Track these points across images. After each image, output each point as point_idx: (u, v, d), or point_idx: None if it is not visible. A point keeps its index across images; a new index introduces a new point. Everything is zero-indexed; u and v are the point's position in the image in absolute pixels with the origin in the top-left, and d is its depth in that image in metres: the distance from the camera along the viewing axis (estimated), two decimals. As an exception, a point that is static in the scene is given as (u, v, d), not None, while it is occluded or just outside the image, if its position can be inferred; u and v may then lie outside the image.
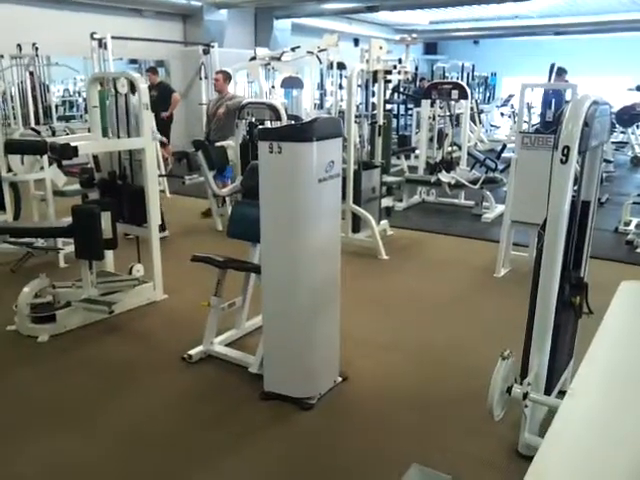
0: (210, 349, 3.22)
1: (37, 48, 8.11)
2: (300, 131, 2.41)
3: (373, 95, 5.43)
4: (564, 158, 2.03)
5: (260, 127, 2.50)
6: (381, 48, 4.87)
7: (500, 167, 7.37)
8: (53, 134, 5.71)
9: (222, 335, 3.37)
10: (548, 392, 2.34)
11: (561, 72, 7.59)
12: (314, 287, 2.65)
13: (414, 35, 15.77)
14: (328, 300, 2.78)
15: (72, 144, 3.18)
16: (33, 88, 8.68)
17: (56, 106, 9.87)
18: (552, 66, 7.21)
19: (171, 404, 2.84)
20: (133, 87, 3.85)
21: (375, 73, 4.99)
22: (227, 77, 6.51)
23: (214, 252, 3.29)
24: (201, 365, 3.18)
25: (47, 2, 8.69)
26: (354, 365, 3.12)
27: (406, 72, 5.32)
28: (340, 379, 2.96)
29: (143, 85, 3.66)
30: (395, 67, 5.03)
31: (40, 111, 9.02)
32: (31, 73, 8.50)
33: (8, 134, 5.96)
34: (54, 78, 9.69)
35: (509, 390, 2.20)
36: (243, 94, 7.90)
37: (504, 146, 8.45)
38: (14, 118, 8.28)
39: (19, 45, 8.19)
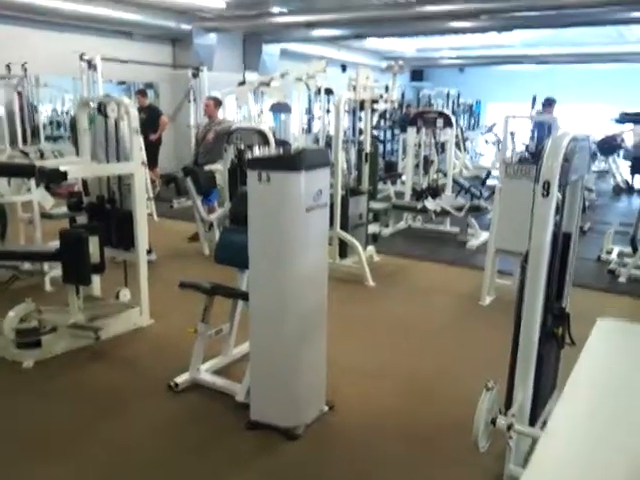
0: (196, 377, 3.20)
1: (26, 69, 8.12)
2: (289, 161, 2.45)
3: (360, 120, 5.53)
4: (545, 192, 2.09)
5: (250, 157, 2.53)
6: (368, 78, 4.97)
7: (485, 194, 7.51)
8: (41, 156, 5.71)
9: (209, 362, 3.36)
10: (532, 423, 2.37)
11: (551, 102, 7.79)
12: (301, 315, 2.66)
13: (401, 63, 16.06)
14: (315, 328, 2.80)
15: (61, 169, 3.20)
16: (21, 108, 8.68)
17: (44, 126, 9.86)
18: (534, 98, 7.40)
19: (157, 432, 2.82)
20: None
21: (362, 102, 5.08)
22: (217, 103, 6.58)
23: (201, 277, 3.30)
24: (187, 393, 3.16)
25: (37, 22, 8.73)
26: (340, 393, 3.12)
27: (392, 101, 5.42)
28: (326, 408, 2.97)
29: (133, 110, 3.70)
30: (382, 96, 5.13)
31: (28, 131, 9.01)
32: (19, 93, 8.51)
33: (-4, 154, 5.93)
34: (42, 98, 9.70)
35: (494, 421, 2.22)
36: (232, 118, 7.96)
37: (489, 173, 8.62)
38: (1, 138, 8.25)
39: (8, 65, 8.20)
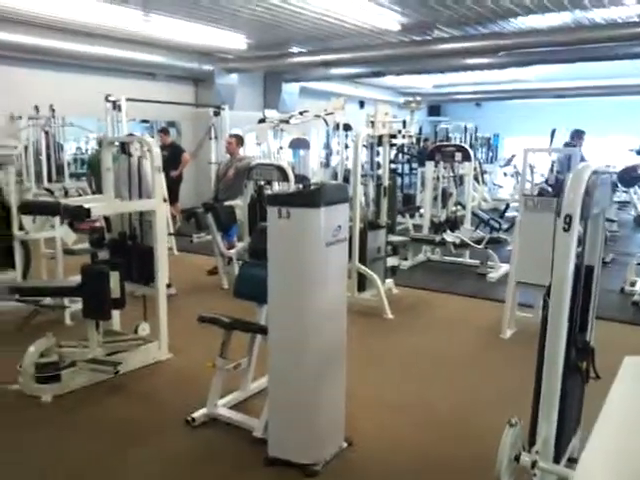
0: (214, 412, 3.19)
1: (54, 110, 8.41)
2: (308, 197, 2.48)
3: (378, 154, 5.59)
4: (566, 226, 2.07)
5: (269, 193, 2.57)
6: (387, 114, 5.04)
7: (504, 226, 7.46)
8: (66, 194, 5.85)
9: (227, 397, 3.34)
10: (557, 460, 2.29)
11: (580, 134, 7.81)
12: (321, 350, 2.65)
13: (418, 99, 16.26)
14: (334, 363, 2.77)
15: (85, 206, 3.27)
16: (47, 147, 8.95)
17: (68, 163, 10.14)
18: (553, 131, 7.41)
19: (173, 468, 2.80)
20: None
21: (380, 137, 5.14)
22: (239, 141, 6.72)
23: (220, 311, 3.30)
24: (205, 428, 3.13)
25: (64, 65, 9.07)
26: (359, 428, 3.07)
27: (410, 136, 5.48)
28: (345, 444, 2.92)
29: (156, 149, 3.79)
30: (400, 132, 5.19)
31: (53, 169, 9.27)
32: (46, 132, 8.79)
33: (22, 191, 6.10)
34: (68, 137, 10.01)
35: (517, 458, 2.16)
36: (252, 155, 8.09)
37: (507, 205, 8.58)
38: (27, 175, 8.51)
39: (36, 106, 8.50)
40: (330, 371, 2.73)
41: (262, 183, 5.19)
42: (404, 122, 7.04)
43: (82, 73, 9.41)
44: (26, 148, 8.47)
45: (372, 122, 5.17)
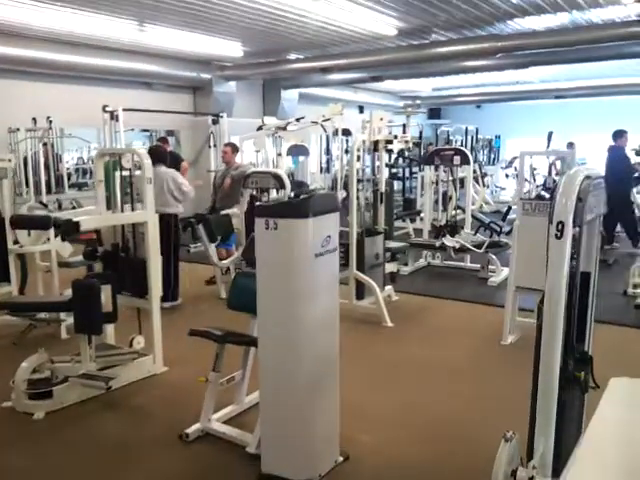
0: (208, 426, 3.13)
1: (51, 121, 8.39)
2: (296, 207, 2.43)
3: (379, 159, 5.55)
4: (559, 233, 2.01)
5: (257, 204, 2.52)
6: (382, 119, 4.98)
7: (505, 229, 7.38)
8: (59, 207, 5.81)
9: (221, 411, 3.28)
10: (556, 474, 2.22)
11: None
12: (312, 362, 2.59)
13: (418, 102, 16.18)
14: (327, 376, 2.71)
15: (74, 220, 3.23)
16: (46, 158, 8.95)
17: (69, 174, 10.13)
18: (550, 134, 7.33)
19: (166, 487, 2.74)
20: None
21: (376, 143, 5.09)
22: (235, 149, 6.69)
23: (218, 322, 3.25)
24: (198, 443, 3.08)
25: (62, 77, 9.06)
26: (355, 442, 3.01)
27: (407, 141, 5.42)
28: (341, 458, 2.85)
29: (147, 161, 3.75)
30: (396, 137, 5.13)
31: (52, 180, 9.26)
32: (45, 144, 8.78)
33: (18, 204, 6.08)
34: (69, 147, 10.00)
35: (514, 473, 2.09)
36: (249, 162, 8.05)
37: (509, 208, 8.50)
38: (27, 187, 8.50)
39: (34, 119, 8.49)
40: (323, 383, 2.67)
41: (254, 192, 5.13)
42: (404, 126, 6.99)
43: (80, 84, 9.40)
44: (25, 160, 8.47)
45: (367, 128, 5.11)
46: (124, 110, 8.52)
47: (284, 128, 7.19)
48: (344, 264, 5.20)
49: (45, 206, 5.54)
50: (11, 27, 7.60)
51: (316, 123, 6.81)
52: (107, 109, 8.41)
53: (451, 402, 3.58)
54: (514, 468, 2.12)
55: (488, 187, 13.43)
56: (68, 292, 3.69)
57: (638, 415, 1.52)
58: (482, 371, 4.08)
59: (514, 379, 3.77)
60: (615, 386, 1.70)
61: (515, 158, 13.45)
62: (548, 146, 7.29)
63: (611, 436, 1.43)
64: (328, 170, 12.06)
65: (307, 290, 2.48)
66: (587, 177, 2.11)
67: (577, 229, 2.10)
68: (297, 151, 9.17)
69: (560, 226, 2.01)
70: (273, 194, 5.48)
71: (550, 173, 6.37)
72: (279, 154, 8.91)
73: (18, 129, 8.37)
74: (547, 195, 5.92)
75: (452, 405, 3.53)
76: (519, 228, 4.42)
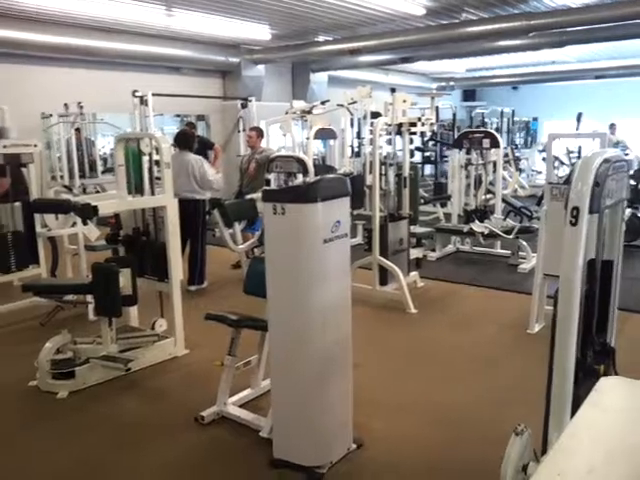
0: (223, 410, 3.15)
1: (82, 107, 8.52)
2: (303, 192, 2.38)
3: (411, 142, 5.43)
4: (573, 220, 1.92)
5: (264, 188, 2.49)
6: (405, 101, 4.87)
7: (537, 215, 7.17)
8: (84, 191, 5.90)
9: (237, 395, 3.30)
10: (572, 469, 2.15)
11: None
12: (323, 348, 2.56)
13: (452, 83, 15.80)
14: (339, 361, 2.68)
15: (92, 204, 3.27)
16: (79, 143, 9.10)
17: (104, 159, 10.28)
18: (579, 115, 7.05)
19: (179, 469, 2.77)
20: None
21: (400, 126, 4.98)
22: (260, 134, 6.68)
23: (241, 306, 3.25)
24: (214, 426, 3.10)
25: (93, 63, 9.18)
26: (370, 429, 2.99)
27: (432, 123, 5.29)
28: (354, 446, 2.83)
29: (165, 145, 3.75)
30: (419, 119, 5.01)
31: (86, 165, 9.43)
32: (77, 130, 8.93)
33: (50, 187, 6.21)
34: (104, 132, 10.12)
35: (525, 468, 2.03)
36: (277, 146, 8.01)
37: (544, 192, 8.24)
38: (60, 171, 8.69)
39: (66, 104, 8.64)
40: (334, 370, 2.64)
41: (278, 176, 5.10)
42: (437, 109, 6.81)
43: (111, 70, 9.51)
44: (58, 145, 8.65)
45: (392, 110, 5.01)
46: (153, 95, 8.58)
47: (309, 112, 7.11)
48: (367, 249, 5.15)
49: (70, 190, 5.63)
50: (43, 14, 7.71)
51: (342, 106, 6.72)
52: (137, 94, 8.48)
53: (472, 390, 3.51)
54: (525, 463, 2.06)
55: (523, 171, 13.08)
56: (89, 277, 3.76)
57: (619, 419, 1.44)
58: (505, 360, 3.99)
59: (537, 369, 3.66)
60: (603, 386, 1.61)
61: (552, 141, 13.07)
62: (578, 128, 7.01)
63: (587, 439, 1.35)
64: (358, 154, 11.93)
65: (316, 276, 2.44)
66: (606, 160, 2.00)
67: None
68: (324, 134, 9.07)
69: (575, 212, 1.92)
70: (299, 179, 5.44)
71: (579, 156, 6.13)
72: (307, 138, 8.84)
73: (51, 115, 8.54)
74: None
75: (473, 393, 3.46)
76: (547, 214, 4.27)
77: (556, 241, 4.19)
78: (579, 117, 7.03)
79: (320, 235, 2.40)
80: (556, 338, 2.04)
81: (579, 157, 6.08)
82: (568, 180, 2.01)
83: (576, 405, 2.11)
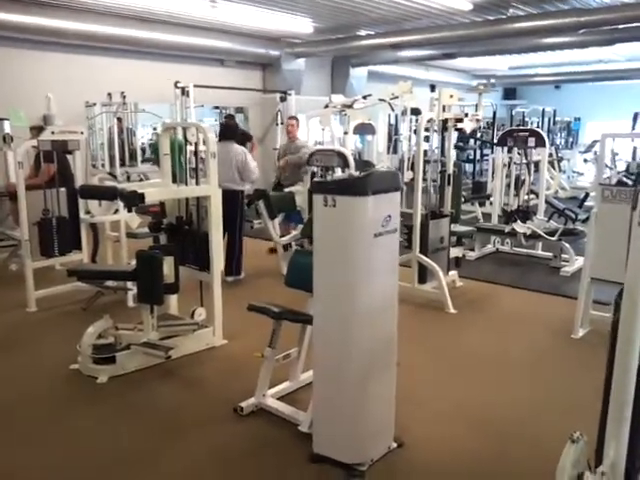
0: (262, 402, 3.14)
1: (125, 96, 8.64)
2: (355, 185, 2.34)
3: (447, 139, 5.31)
4: (644, 221, 1.82)
5: (315, 180, 2.45)
6: (451, 97, 4.77)
7: (581, 217, 6.98)
8: (128, 179, 5.96)
9: (276, 387, 3.29)
10: (628, 482, 2.06)
11: None
12: (368, 344, 2.51)
13: (492, 81, 15.49)
14: (384, 359, 2.63)
15: (139, 191, 3.28)
16: (121, 132, 9.23)
17: (143, 149, 10.40)
18: (636, 115, 6.80)
19: (217, 459, 2.77)
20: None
21: (445, 121, 4.88)
22: (298, 123, 6.67)
23: (278, 298, 3.24)
24: (252, 418, 3.09)
25: (137, 53, 9.30)
26: (411, 429, 2.93)
27: (478, 120, 5.17)
28: (395, 445, 2.78)
29: (211, 135, 3.75)
30: (467, 115, 4.90)
31: (126, 154, 9.56)
32: (119, 119, 9.06)
33: (92, 175, 6.30)
34: (145, 122, 10.23)
35: (580, 477, 1.95)
36: (308, 140, 7.94)
37: (587, 194, 8.03)
38: (101, 160, 8.84)
39: (109, 94, 8.77)
40: (378, 367, 2.59)
41: (317, 170, 5.07)
42: (476, 106, 6.66)
43: (154, 60, 9.61)
44: (101, 134, 8.79)
45: (436, 106, 4.91)
46: (195, 86, 8.64)
47: (350, 106, 7.04)
48: (407, 246, 5.08)
49: (115, 177, 5.72)
50: (91, 4, 7.82)
51: (384, 101, 6.63)
52: (179, 85, 8.55)
53: (514, 395, 3.42)
54: (580, 472, 1.98)
55: (564, 172, 12.76)
56: (134, 262, 3.79)
57: None
58: (548, 365, 3.88)
59: (584, 375, 3.58)
60: None
61: (595, 142, 12.67)
62: (633, 128, 6.77)
63: None
64: (395, 150, 11.81)
65: (365, 271, 2.40)
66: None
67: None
68: (363, 130, 8.99)
69: (646, 213, 1.81)
70: (338, 173, 5.40)
71: (634, 157, 5.91)
72: (345, 132, 8.78)
73: (95, 104, 8.68)
74: (630, 181, 5.50)
75: (515, 398, 3.37)
76: (597, 216, 4.14)
77: (606, 244, 4.08)
78: (635, 117, 6.79)
79: (370, 229, 2.35)
80: (617, 345, 1.95)
81: (634, 158, 5.88)
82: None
83: (637, 414, 2.02)
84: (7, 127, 6.20)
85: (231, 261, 5.63)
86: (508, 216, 6.76)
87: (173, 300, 4.18)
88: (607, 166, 9.92)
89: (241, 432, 2.97)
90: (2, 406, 3.26)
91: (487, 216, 8.06)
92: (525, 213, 6.68)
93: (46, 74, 8.29)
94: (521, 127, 10.71)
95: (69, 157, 5.16)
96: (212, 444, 2.88)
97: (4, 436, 2.96)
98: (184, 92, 8.66)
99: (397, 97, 6.68)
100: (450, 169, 5.12)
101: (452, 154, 5.17)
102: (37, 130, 5.20)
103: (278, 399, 3.21)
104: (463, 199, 8.14)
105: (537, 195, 7.14)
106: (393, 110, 7.81)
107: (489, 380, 3.63)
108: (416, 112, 8.53)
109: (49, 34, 7.96)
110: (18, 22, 7.52)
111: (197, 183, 4.05)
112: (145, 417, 3.14)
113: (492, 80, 16.23)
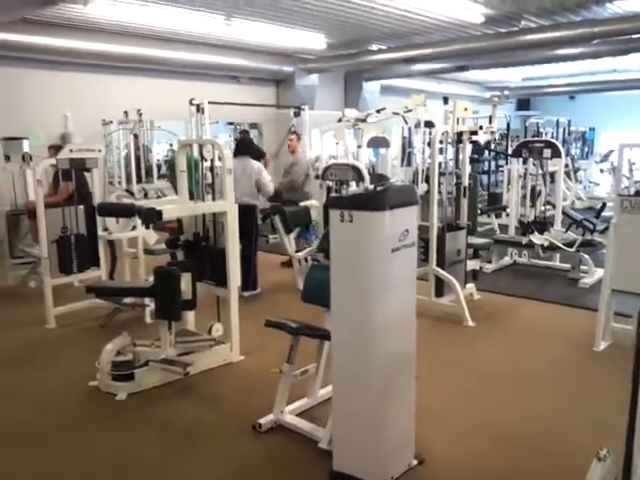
0: (280, 418, 3.12)
1: (141, 114, 8.77)
2: (372, 200, 2.34)
3: (462, 151, 5.31)
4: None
5: (332, 195, 2.45)
6: (466, 109, 4.77)
7: (599, 228, 6.89)
8: (145, 196, 6.01)
9: (294, 403, 3.26)
10: (656, 500, 2.01)
11: None
12: (387, 360, 2.49)
13: (506, 93, 15.46)
14: (403, 374, 2.61)
15: (157, 208, 3.31)
16: (137, 149, 9.36)
17: (159, 165, 10.52)
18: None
19: (237, 476, 2.76)
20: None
21: (460, 134, 4.87)
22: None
23: (295, 313, 3.23)
24: (270, 435, 3.07)
25: (152, 72, 9.44)
26: (431, 445, 2.89)
27: (492, 132, 5.15)
28: (415, 462, 2.74)
29: (227, 151, 3.78)
30: (481, 127, 4.89)
31: (142, 171, 9.67)
32: (135, 136, 9.18)
33: (110, 193, 6.37)
34: (160, 139, 10.37)
35: (607, 496, 1.91)
36: (330, 154, 7.98)
37: (604, 205, 7.92)
38: (118, 177, 8.95)
39: (126, 112, 8.90)
40: (397, 384, 2.57)
41: (332, 185, 5.08)
42: (490, 118, 6.67)
43: (169, 78, 9.76)
44: (118, 151, 8.92)
45: (451, 119, 4.91)
46: (209, 103, 8.74)
47: (364, 120, 7.06)
48: (424, 260, 5.05)
49: (132, 194, 5.77)
50: (106, 24, 7.97)
51: (397, 114, 6.63)
52: (193, 102, 8.65)
53: (535, 411, 3.36)
54: (607, 489, 1.94)
55: (581, 182, 12.65)
56: (152, 278, 3.81)
57: None
58: (569, 379, 3.81)
59: (606, 389, 3.52)
60: None
61: (611, 152, 12.58)
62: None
63: None
64: (409, 163, 11.81)
65: (382, 285, 2.39)
66: None
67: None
68: (377, 143, 9.01)
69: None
70: (352, 187, 5.41)
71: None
72: (359, 146, 8.80)
73: (111, 121, 8.81)
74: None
75: (536, 414, 3.31)
76: (616, 226, 4.09)
77: (626, 255, 4.03)
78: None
79: (388, 244, 2.34)
80: (644, 358, 1.92)
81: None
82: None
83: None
84: (26, 146, 6.33)
85: (247, 276, 5.64)
86: (525, 228, 6.70)
87: (190, 316, 4.19)
88: (624, 176, 9.84)
89: (260, 449, 2.96)
90: (21, 422, 3.28)
91: (504, 228, 7.99)
92: (542, 224, 6.62)
93: (63, 93, 8.45)
94: (536, 138, 10.65)
95: (87, 175, 5.23)
96: (231, 461, 2.86)
97: (22, 451, 2.97)
98: (199, 109, 8.74)
99: (410, 110, 6.69)
100: (466, 181, 5.10)
101: (467, 166, 5.14)
102: (55, 149, 5.29)
103: (296, 415, 3.19)
104: (479, 211, 8.10)
105: (554, 206, 7.08)
106: (407, 123, 7.81)
107: (509, 394, 3.58)
108: (429, 125, 8.56)
109: (66, 54, 8.13)
110: (36, 43, 7.72)
111: (213, 199, 4.07)
112: (163, 433, 3.14)
113: (505, 92, 16.22)
